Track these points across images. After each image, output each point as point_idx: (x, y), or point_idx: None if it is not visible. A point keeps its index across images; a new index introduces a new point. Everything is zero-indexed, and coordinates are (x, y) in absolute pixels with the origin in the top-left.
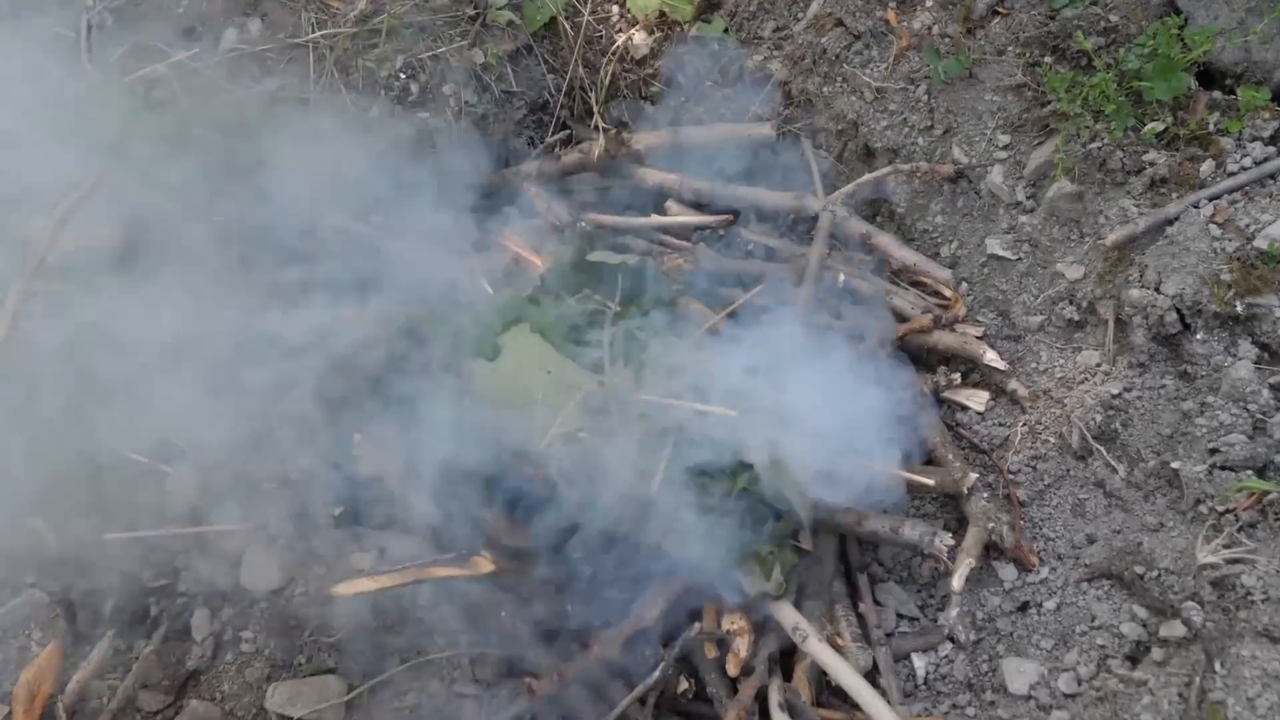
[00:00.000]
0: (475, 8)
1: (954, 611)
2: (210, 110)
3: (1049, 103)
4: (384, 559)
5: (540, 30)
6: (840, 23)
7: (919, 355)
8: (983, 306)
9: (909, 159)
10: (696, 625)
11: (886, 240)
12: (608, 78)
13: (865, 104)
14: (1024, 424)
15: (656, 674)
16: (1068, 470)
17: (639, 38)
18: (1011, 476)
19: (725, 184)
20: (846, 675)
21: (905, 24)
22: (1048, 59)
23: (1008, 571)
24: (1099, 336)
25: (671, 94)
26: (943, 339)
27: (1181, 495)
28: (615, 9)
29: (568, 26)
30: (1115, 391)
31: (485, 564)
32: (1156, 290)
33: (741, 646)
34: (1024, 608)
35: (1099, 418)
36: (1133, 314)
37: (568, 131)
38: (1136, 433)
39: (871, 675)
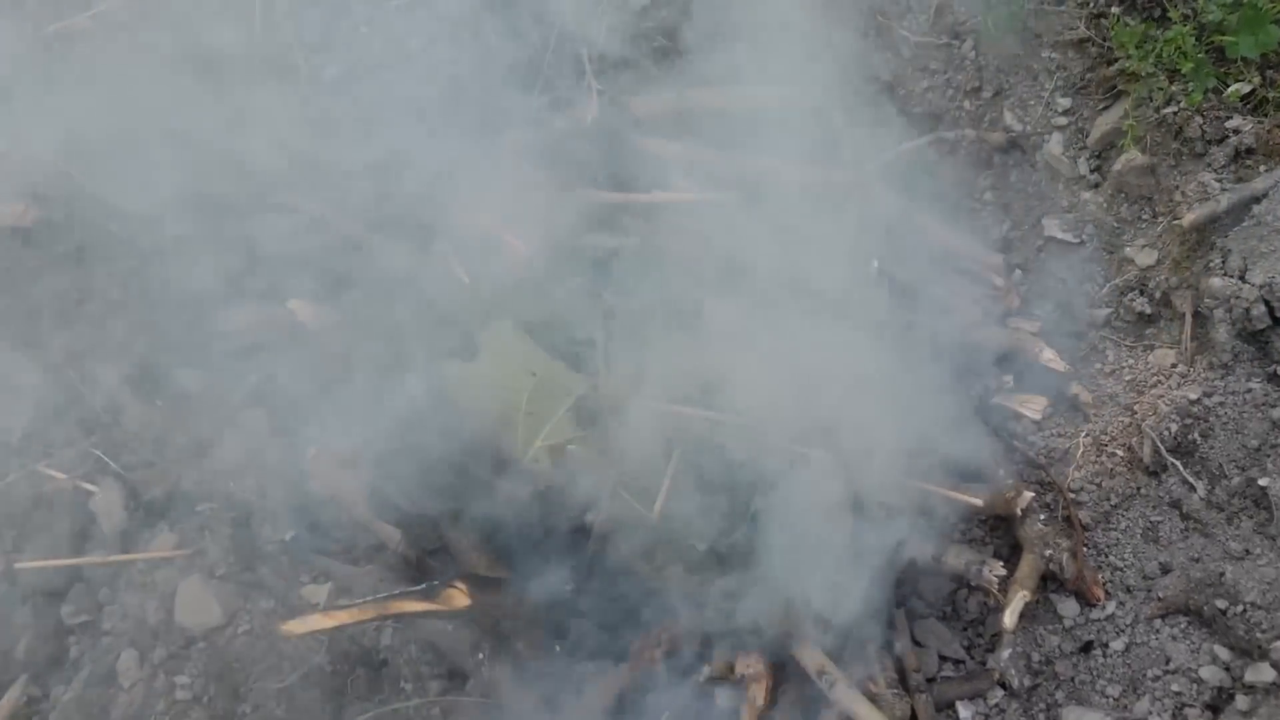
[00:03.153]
0: None
1: (1005, 652)
2: (138, 67)
3: (1116, 60)
4: (341, 591)
5: None
6: None
7: (965, 355)
8: (1039, 298)
9: (953, 126)
10: (706, 668)
11: (927, 220)
12: (603, 31)
13: (903, 62)
14: (1087, 434)
15: None
16: (1138, 488)
17: None
18: (1073, 495)
19: (739, 155)
20: None
21: None
22: (1115, 9)
23: (1068, 606)
24: (1174, 332)
25: (678, 50)
26: (993, 335)
27: (1271, 517)
28: None
29: None
30: (1193, 397)
31: (459, 597)
32: (1241, 279)
33: (759, 694)
34: (1087, 648)
35: (1174, 427)
36: (1214, 306)
37: (556, 94)
38: (1218, 445)
39: None
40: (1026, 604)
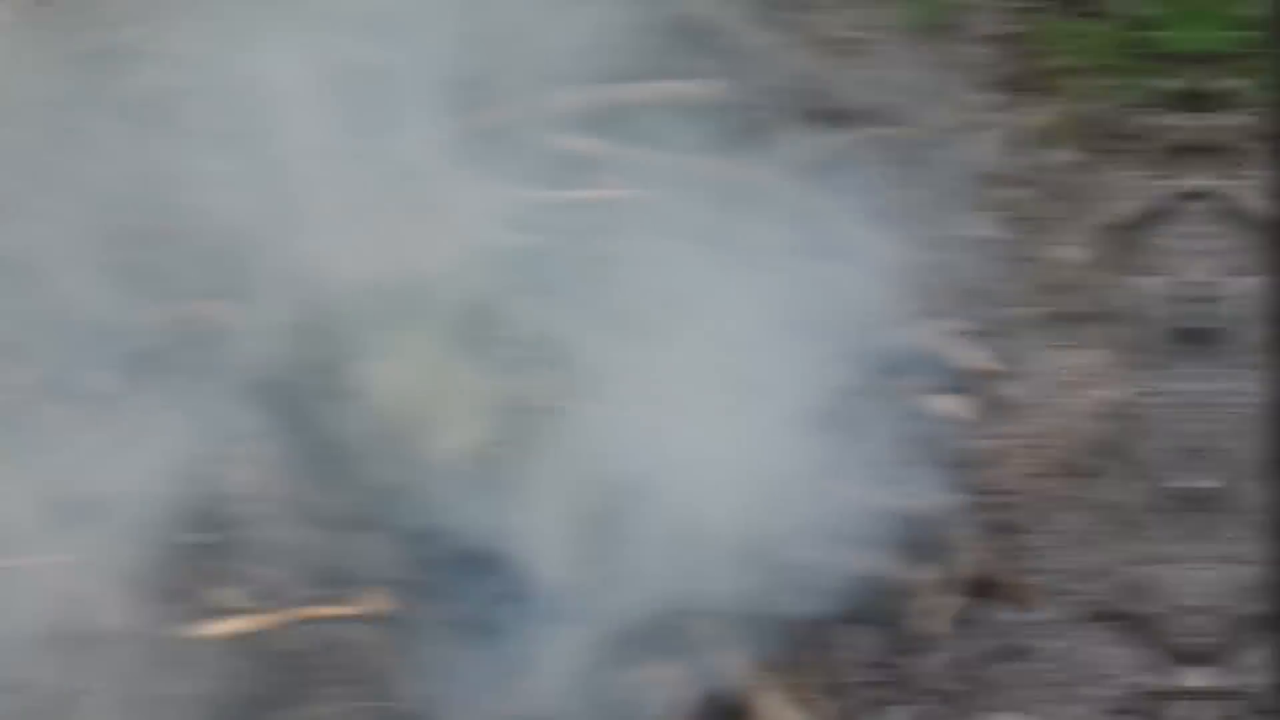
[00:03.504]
0: None
1: (935, 658)
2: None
3: (1048, 57)
4: (258, 595)
5: None
6: None
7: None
8: (968, 298)
9: (880, 123)
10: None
11: (848, 219)
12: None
13: (828, 59)
14: (1018, 436)
15: None
16: (1072, 490)
17: None
18: (1004, 498)
19: (658, 151)
20: None
21: None
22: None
23: (1001, 610)
24: (1108, 332)
25: (599, 49)
26: (918, 336)
27: (1209, 520)
28: None
29: None
30: (1129, 397)
31: (380, 601)
32: (1179, 276)
33: (681, 698)
34: (1018, 654)
35: (1109, 428)
36: (1150, 305)
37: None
38: (1155, 446)
39: None
40: (958, 609)
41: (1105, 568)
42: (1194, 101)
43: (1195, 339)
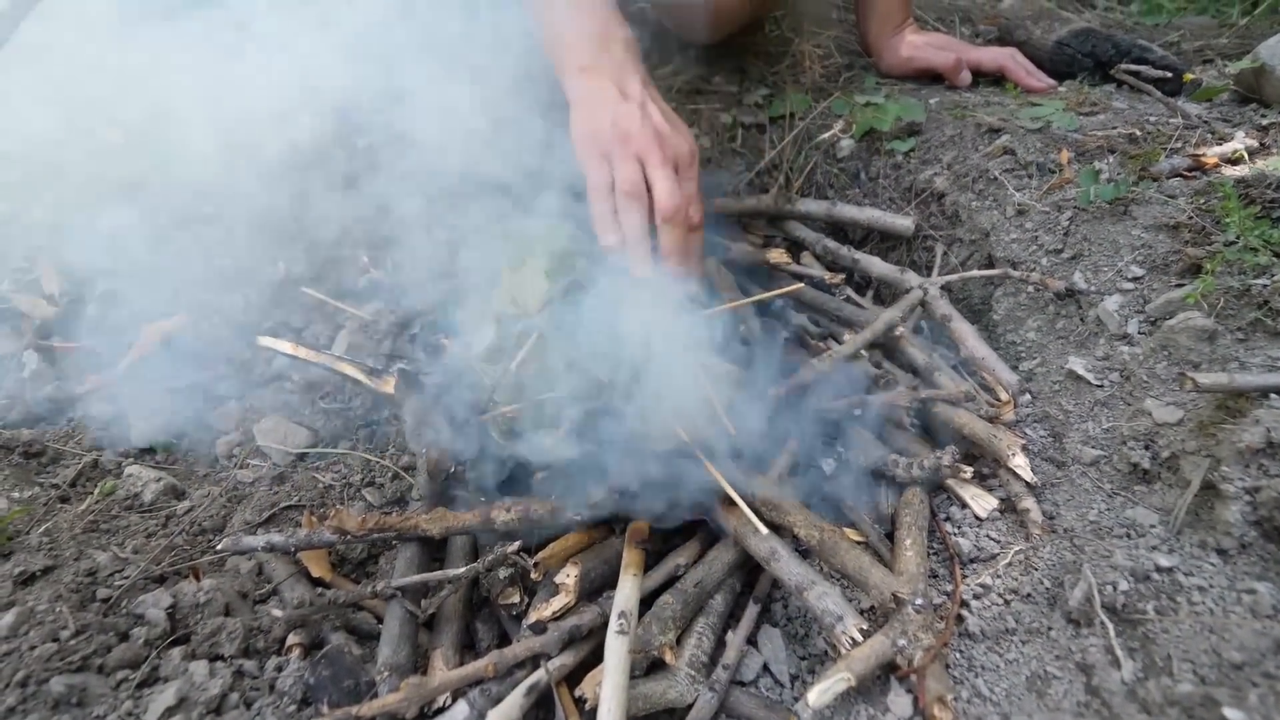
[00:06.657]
0: (738, 87)
1: (808, 712)
2: None
3: (1211, 243)
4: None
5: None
6: (1012, 152)
7: (938, 431)
8: (1037, 421)
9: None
10: (516, 544)
11: (964, 328)
12: (810, 162)
13: (1004, 218)
14: (1021, 551)
15: (463, 569)
16: (1048, 629)
17: (846, 142)
18: (971, 600)
19: (851, 249)
20: (608, 688)
21: (1075, 166)
22: (1233, 206)
23: (900, 703)
24: (1167, 498)
25: (848, 183)
26: (972, 423)
27: None
28: (840, 120)
29: (795, 118)
30: (1164, 564)
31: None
32: None
33: (555, 602)
34: None
35: (1125, 585)
36: (1235, 481)
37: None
38: (1180, 634)
39: None
40: (848, 687)
41: None
42: None
43: None
